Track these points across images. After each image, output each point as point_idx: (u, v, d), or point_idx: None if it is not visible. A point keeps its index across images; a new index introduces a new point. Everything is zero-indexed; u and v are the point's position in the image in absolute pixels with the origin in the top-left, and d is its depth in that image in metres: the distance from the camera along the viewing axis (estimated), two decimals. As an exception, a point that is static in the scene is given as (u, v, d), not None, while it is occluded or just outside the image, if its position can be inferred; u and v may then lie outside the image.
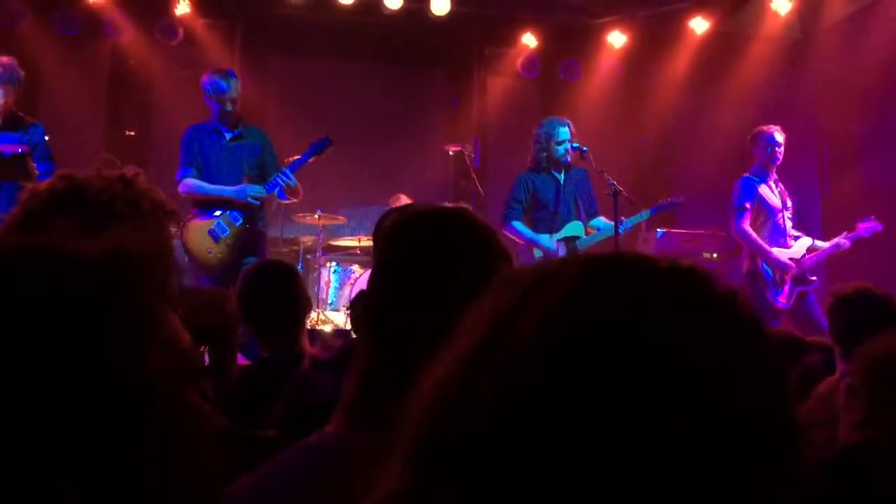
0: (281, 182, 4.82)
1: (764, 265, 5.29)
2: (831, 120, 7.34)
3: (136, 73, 7.52)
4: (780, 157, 5.36)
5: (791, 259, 5.30)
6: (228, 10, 7.67)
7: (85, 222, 1.38)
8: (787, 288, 5.25)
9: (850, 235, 5.34)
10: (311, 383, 1.29)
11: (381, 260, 1.09)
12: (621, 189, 5.05)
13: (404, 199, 7.27)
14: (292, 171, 4.93)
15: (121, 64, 7.53)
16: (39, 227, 1.37)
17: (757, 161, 5.42)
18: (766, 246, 5.29)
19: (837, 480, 1.43)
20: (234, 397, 2.19)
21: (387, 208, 7.77)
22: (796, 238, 5.44)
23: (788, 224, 5.43)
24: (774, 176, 5.44)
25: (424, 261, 1.01)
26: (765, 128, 5.41)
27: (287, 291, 2.67)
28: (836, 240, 5.36)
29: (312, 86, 8.00)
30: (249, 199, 4.79)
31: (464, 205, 5.70)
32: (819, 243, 5.41)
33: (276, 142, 5.21)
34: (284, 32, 7.90)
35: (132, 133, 7.56)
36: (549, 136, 5.29)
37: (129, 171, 1.60)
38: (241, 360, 2.98)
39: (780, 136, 5.36)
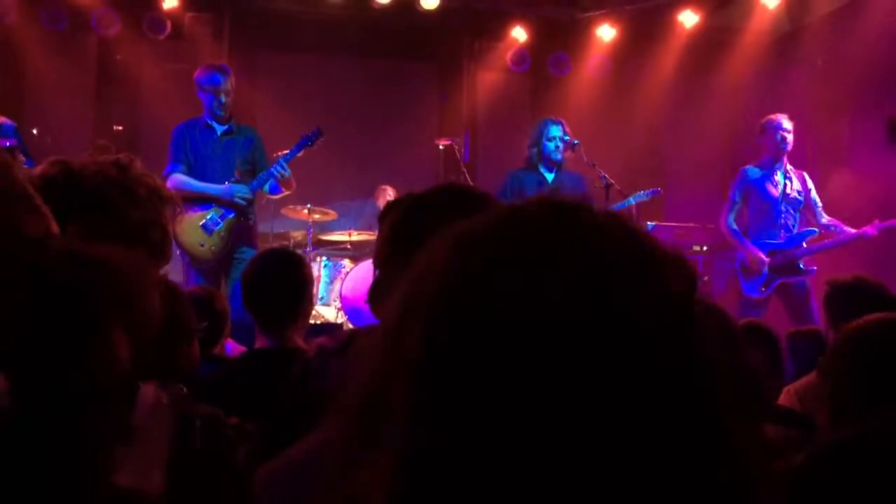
0: (275, 173, 4.80)
1: (739, 257, 5.34)
2: (819, 112, 7.37)
3: (124, 67, 7.46)
4: (790, 144, 5.28)
5: (776, 251, 5.26)
6: (216, 5, 7.63)
7: (77, 207, 1.36)
8: (762, 279, 5.23)
9: (882, 224, 5.04)
10: (317, 372, 1.29)
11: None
12: (612, 181, 5.07)
13: (390, 192, 7.24)
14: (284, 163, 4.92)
15: (108, 59, 7.48)
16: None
17: (766, 151, 5.35)
18: (739, 237, 5.33)
19: (813, 485, 1.33)
20: (222, 386, 2.18)
21: (373, 201, 7.63)
22: (802, 228, 5.31)
23: (790, 216, 5.32)
24: (786, 166, 5.35)
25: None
26: (773, 116, 5.33)
27: (285, 283, 2.54)
28: (864, 228, 5.08)
29: (301, 80, 7.96)
30: (236, 200, 4.79)
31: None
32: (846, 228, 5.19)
33: (264, 136, 5.19)
34: (273, 26, 7.86)
35: (120, 128, 7.50)
36: (541, 133, 5.37)
37: (125, 157, 1.58)
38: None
39: (788, 124, 5.27)
